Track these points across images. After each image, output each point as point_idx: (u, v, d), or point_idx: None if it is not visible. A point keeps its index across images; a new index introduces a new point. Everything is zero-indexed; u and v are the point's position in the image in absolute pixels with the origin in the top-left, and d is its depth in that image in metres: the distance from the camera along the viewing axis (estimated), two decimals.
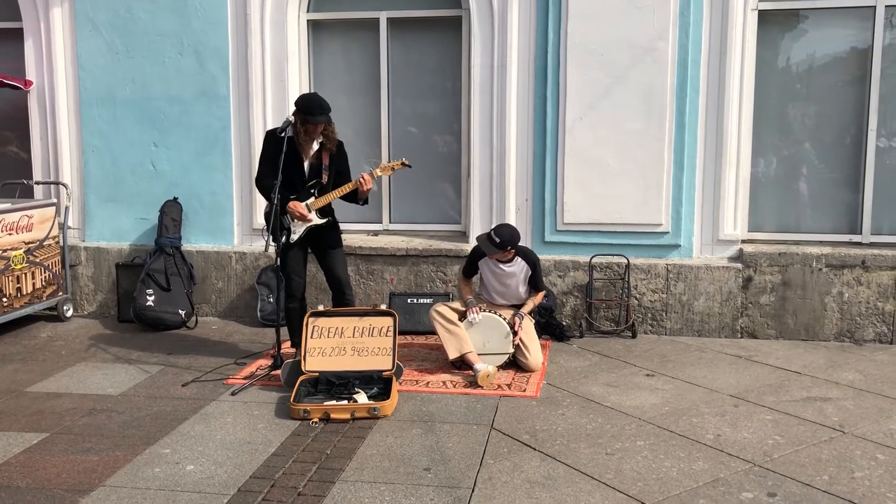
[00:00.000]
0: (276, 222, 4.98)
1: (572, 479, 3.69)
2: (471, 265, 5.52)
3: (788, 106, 6.27)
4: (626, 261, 6.13)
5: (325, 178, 5.08)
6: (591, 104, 6.09)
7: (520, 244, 5.37)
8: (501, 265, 5.36)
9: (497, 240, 5.20)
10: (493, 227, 5.45)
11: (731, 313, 6.08)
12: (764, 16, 6.09)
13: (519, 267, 5.37)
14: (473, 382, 4.98)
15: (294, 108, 4.98)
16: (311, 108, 4.90)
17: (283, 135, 4.96)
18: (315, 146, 5.06)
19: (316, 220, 5.11)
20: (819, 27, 6.17)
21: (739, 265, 6.05)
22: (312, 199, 5.07)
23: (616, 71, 6.03)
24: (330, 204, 5.15)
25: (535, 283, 5.45)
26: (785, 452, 3.96)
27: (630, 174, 6.10)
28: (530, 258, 5.41)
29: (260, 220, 6.61)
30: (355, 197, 5.10)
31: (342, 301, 5.24)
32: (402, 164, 5.15)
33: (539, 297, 5.54)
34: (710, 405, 4.64)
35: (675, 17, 5.94)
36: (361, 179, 4.97)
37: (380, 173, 5.12)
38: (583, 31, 6.02)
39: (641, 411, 4.54)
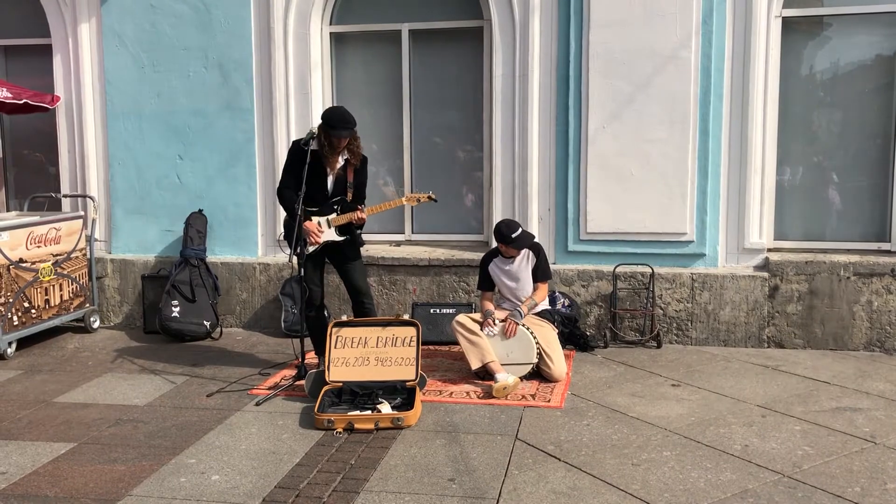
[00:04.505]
0: (299, 233, 4.99)
1: (598, 490, 3.65)
2: (483, 277, 5.54)
3: (813, 113, 6.21)
4: (650, 270, 6.08)
5: (349, 196, 5.09)
6: (614, 113, 6.07)
7: (525, 233, 5.39)
8: (508, 262, 5.40)
9: (508, 233, 5.28)
10: (500, 226, 5.40)
11: (757, 323, 6.01)
12: (787, 23, 6.04)
13: (522, 255, 5.42)
14: None
15: (321, 121, 5.02)
16: (333, 122, 4.92)
17: (306, 147, 4.99)
18: (341, 161, 5.07)
19: (334, 237, 5.11)
20: (843, 34, 6.11)
21: (765, 274, 5.98)
22: (334, 215, 5.09)
23: (639, 79, 6.01)
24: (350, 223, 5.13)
25: (538, 271, 5.41)
26: (815, 463, 3.90)
27: (653, 183, 6.07)
28: (534, 246, 5.45)
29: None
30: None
31: (361, 310, 5.25)
32: (429, 197, 5.24)
33: (542, 292, 5.46)
34: (738, 415, 4.58)
35: (697, 25, 5.91)
36: (357, 215, 5.00)
37: (405, 202, 5.25)
38: (605, 39, 6.02)
39: (667, 422, 4.49)
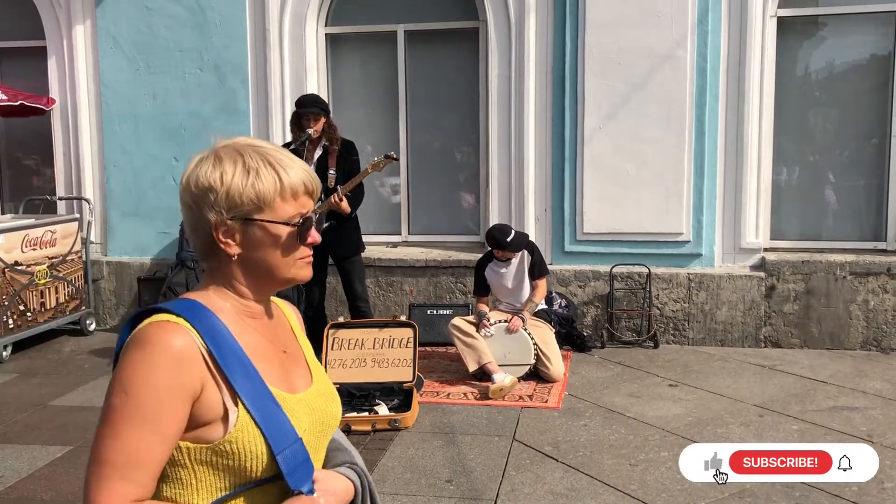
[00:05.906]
0: None
1: (596, 491, 3.65)
2: (479, 282, 5.54)
3: (809, 112, 6.22)
4: (647, 270, 6.08)
5: (330, 182, 5.08)
6: (610, 113, 6.07)
7: (518, 234, 5.40)
8: (504, 265, 5.40)
9: (503, 238, 5.28)
10: (493, 232, 5.41)
11: (754, 322, 6.01)
12: (783, 22, 6.05)
13: (518, 256, 5.42)
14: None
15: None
16: (301, 102, 5.02)
17: (290, 147, 5.03)
18: (319, 150, 5.09)
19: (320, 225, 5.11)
20: (839, 33, 6.12)
21: (762, 274, 5.99)
22: (319, 203, 5.09)
23: (635, 80, 6.00)
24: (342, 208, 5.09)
25: (535, 269, 5.42)
26: None
27: (650, 183, 6.06)
28: (528, 245, 5.45)
29: None
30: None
31: (357, 314, 5.26)
32: (386, 156, 5.10)
33: (541, 290, 5.47)
34: (735, 415, 4.58)
35: (693, 25, 5.91)
36: (334, 199, 4.96)
37: (370, 170, 5.08)
38: (601, 40, 6.01)
39: (665, 422, 4.49)
